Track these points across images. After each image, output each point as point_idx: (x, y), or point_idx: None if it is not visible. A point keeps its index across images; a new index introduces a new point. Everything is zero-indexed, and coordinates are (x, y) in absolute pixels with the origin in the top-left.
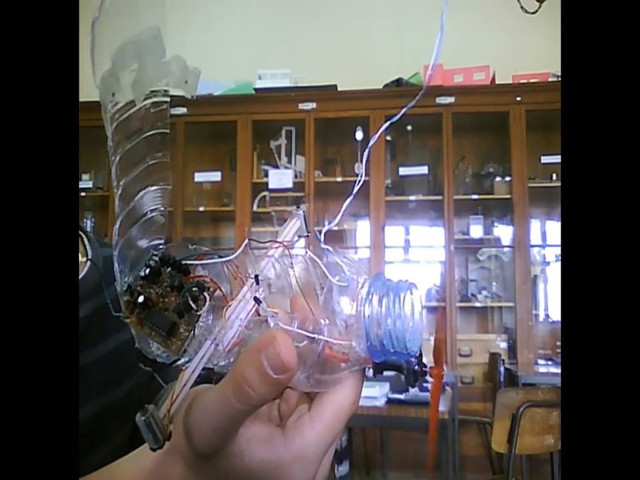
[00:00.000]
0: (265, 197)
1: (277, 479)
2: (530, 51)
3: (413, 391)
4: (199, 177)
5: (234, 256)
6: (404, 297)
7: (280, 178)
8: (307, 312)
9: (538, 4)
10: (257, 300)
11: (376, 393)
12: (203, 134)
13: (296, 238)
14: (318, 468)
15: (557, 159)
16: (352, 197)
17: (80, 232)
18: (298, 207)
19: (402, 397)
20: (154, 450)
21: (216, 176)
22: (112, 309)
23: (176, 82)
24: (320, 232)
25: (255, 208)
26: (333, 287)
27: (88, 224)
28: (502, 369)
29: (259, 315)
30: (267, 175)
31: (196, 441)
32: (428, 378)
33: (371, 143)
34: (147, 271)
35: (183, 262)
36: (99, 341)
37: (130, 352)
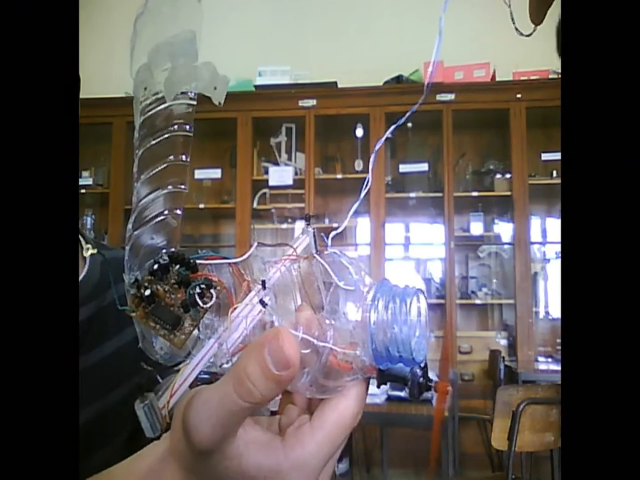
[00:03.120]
0: (265, 194)
1: None
2: (530, 47)
3: None
4: (199, 174)
5: (243, 258)
6: (410, 303)
7: (280, 175)
8: (312, 320)
9: (533, 26)
10: (262, 303)
11: (376, 390)
12: (203, 131)
13: (304, 255)
14: (317, 479)
15: (557, 155)
16: (359, 201)
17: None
18: (308, 225)
19: (402, 394)
20: (151, 440)
21: (216, 173)
22: (118, 304)
23: (205, 87)
24: (327, 235)
25: (255, 205)
26: (339, 293)
27: (88, 221)
28: (502, 366)
29: (265, 321)
30: (267, 172)
31: (194, 436)
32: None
33: (377, 147)
34: (156, 267)
35: (192, 260)
36: (96, 345)
37: (127, 356)
